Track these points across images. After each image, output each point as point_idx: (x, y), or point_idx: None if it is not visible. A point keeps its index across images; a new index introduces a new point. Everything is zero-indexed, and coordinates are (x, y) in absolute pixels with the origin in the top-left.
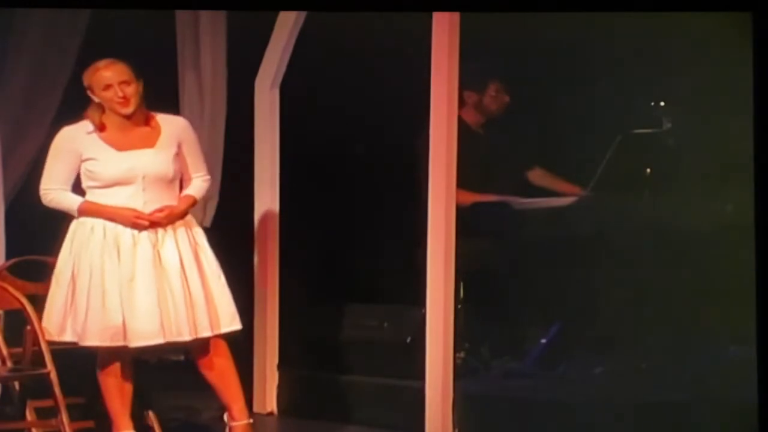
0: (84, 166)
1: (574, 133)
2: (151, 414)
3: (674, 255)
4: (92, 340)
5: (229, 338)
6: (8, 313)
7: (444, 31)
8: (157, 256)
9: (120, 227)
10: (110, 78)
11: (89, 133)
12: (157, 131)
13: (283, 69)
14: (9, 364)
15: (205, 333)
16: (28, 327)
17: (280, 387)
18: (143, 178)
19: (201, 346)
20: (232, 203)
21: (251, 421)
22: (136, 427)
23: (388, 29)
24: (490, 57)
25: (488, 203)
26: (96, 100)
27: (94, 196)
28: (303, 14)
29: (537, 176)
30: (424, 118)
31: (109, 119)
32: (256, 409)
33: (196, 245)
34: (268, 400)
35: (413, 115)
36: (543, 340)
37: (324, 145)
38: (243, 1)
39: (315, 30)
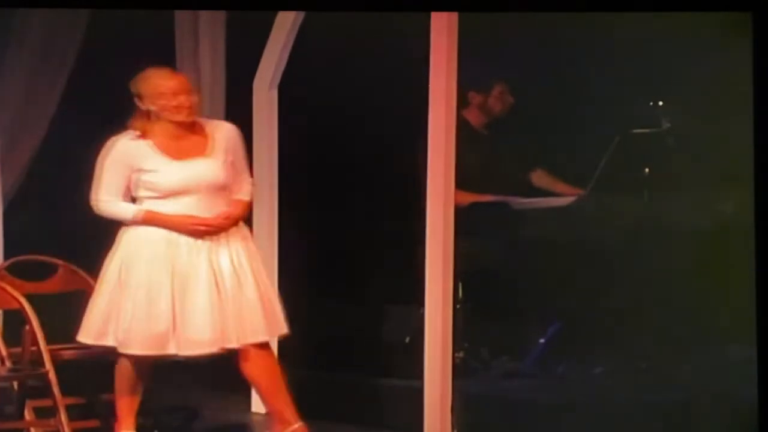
0: (139, 177)
1: (575, 134)
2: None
3: (674, 254)
4: (134, 348)
5: None
6: (7, 313)
7: (442, 32)
8: (213, 263)
9: (174, 235)
10: (171, 87)
11: (143, 143)
12: (207, 138)
13: (282, 69)
14: (8, 364)
15: (261, 338)
16: (27, 327)
17: None
18: (200, 187)
19: (249, 351)
20: None
21: (302, 424)
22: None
23: (387, 29)
24: (494, 58)
25: (487, 203)
26: (144, 108)
27: (149, 206)
28: (302, 14)
29: (538, 177)
30: (423, 118)
31: (161, 128)
32: (254, 408)
33: (248, 251)
34: None
35: (412, 115)
36: (542, 340)
37: (323, 145)
38: (243, 1)
39: (313, 30)
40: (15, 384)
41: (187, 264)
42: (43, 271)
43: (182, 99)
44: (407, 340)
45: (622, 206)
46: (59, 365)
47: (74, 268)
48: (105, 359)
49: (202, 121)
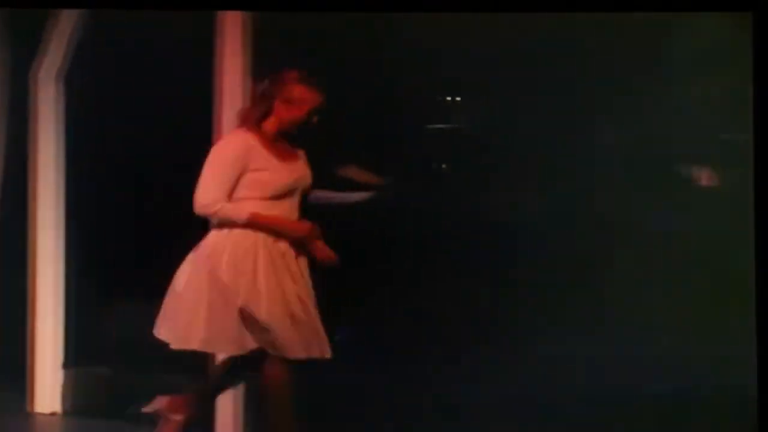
0: (251, 177)
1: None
2: None
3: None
4: (220, 349)
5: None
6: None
7: (236, 27)
8: (302, 270)
9: (270, 239)
10: (307, 100)
11: (253, 140)
12: (286, 143)
13: (69, 61)
14: None
15: (327, 354)
16: None
17: (64, 386)
18: (299, 190)
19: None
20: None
21: None
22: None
23: (179, 27)
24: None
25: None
26: (268, 107)
27: (254, 207)
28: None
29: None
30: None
31: (272, 128)
32: (38, 409)
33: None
34: (51, 399)
35: (201, 114)
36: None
37: (112, 140)
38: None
39: (103, 24)
40: None
41: (283, 267)
42: None
43: (311, 116)
44: None
45: (421, 200)
46: None
47: None
48: None
49: None
